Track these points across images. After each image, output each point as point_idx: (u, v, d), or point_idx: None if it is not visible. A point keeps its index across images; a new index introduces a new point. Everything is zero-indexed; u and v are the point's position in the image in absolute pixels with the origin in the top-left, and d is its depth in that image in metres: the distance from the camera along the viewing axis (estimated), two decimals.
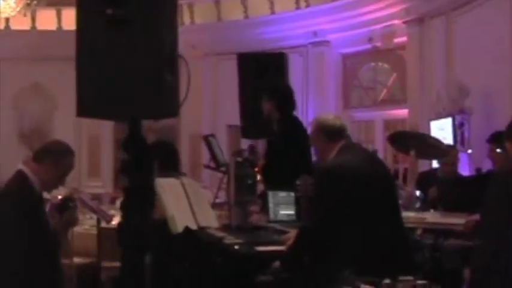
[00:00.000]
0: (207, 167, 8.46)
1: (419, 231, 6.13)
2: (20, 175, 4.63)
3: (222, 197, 7.63)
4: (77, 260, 8.33)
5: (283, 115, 6.97)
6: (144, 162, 3.97)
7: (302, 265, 4.53)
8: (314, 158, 6.21)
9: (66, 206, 5.00)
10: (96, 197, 12.27)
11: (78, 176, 15.78)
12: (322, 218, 4.48)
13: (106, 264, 7.34)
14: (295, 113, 7.27)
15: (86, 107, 3.89)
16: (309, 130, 5.08)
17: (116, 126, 15.34)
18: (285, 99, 7.11)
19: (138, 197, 3.92)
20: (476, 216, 5.35)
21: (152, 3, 3.86)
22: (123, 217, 4.00)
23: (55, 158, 4.70)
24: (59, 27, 16.13)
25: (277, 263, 4.58)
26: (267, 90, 7.06)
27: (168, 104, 3.92)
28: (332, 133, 4.72)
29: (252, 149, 7.51)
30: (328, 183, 4.54)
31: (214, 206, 6.89)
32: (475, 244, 4.60)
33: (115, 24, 3.78)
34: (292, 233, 4.73)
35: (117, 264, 4.43)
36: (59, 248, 4.83)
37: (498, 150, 6.26)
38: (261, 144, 7.81)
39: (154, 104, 3.85)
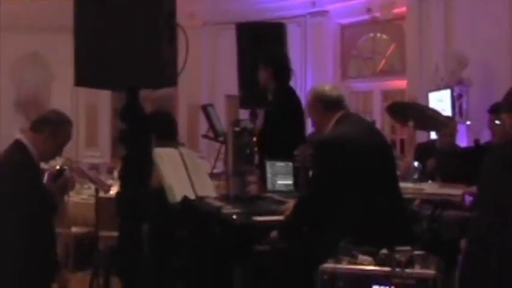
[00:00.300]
0: (205, 136, 8.44)
1: (417, 202, 6.14)
2: (18, 145, 4.63)
3: (219, 167, 7.62)
4: (74, 229, 8.37)
5: (279, 84, 6.98)
6: (142, 132, 3.97)
7: (300, 235, 4.55)
8: (311, 129, 6.21)
9: (60, 176, 5.02)
10: (94, 167, 12.28)
11: (76, 146, 15.74)
12: (321, 188, 4.48)
13: (104, 233, 7.36)
14: (292, 83, 7.28)
15: (84, 77, 3.89)
16: (306, 100, 5.04)
17: (113, 96, 15.28)
18: (282, 68, 7.12)
19: (136, 167, 3.93)
20: (474, 188, 5.37)
21: None
22: (121, 186, 4.00)
23: (53, 128, 4.70)
24: None
25: (274, 233, 4.58)
26: (264, 59, 7.07)
27: (166, 73, 3.91)
28: (330, 104, 4.70)
29: (253, 116, 7.50)
30: (326, 154, 4.53)
31: (212, 176, 6.88)
32: (471, 216, 4.60)
33: None
34: (291, 203, 4.74)
35: (115, 233, 4.44)
36: (55, 215, 4.84)
37: (497, 122, 6.27)
38: (261, 115, 7.80)
39: (152, 74, 3.84)
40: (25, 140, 4.63)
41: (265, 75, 7.00)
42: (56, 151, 4.83)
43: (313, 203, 4.48)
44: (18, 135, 4.68)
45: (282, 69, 7.11)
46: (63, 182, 4.98)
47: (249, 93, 7.77)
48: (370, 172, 4.41)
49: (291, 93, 7.13)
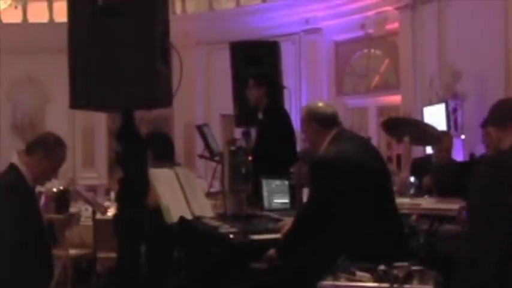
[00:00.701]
0: (201, 156, 8.44)
1: (414, 217, 6.14)
2: (12, 169, 4.64)
3: (216, 187, 7.62)
4: (72, 251, 8.36)
5: (271, 103, 6.99)
6: (138, 153, 3.98)
7: (297, 252, 4.54)
8: (305, 146, 6.22)
9: (63, 198, 5.02)
10: (91, 189, 12.28)
11: (73, 168, 15.77)
12: (318, 206, 4.48)
13: (101, 255, 7.37)
14: (287, 100, 7.31)
15: (79, 99, 3.90)
16: (300, 118, 5.04)
17: (110, 117, 15.31)
18: (274, 86, 7.14)
19: (133, 188, 3.93)
20: None
21: None
22: (118, 207, 4.01)
23: (46, 150, 4.71)
24: (51, 20, 16.08)
25: (272, 251, 4.58)
26: (257, 77, 7.06)
27: (161, 93, 3.92)
28: (324, 121, 4.69)
29: (246, 134, 7.50)
30: (323, 173, 4.53)
31: (209, 195, 6.88)
32: (462, 229, 4.54)
33: (106, 15, 3.78)
34: (288, 221, 4.74)
35: (113, 255, 4.45)
36: (51, 241, 4.81)
37: None
38: (254, 132, 7.82)
39: (147, 94, 3.85)
40: (19, 164, 4.65)
41: (258, 94, 7.00)
42: (51, 173, 4.82)
43: (311, 221, 4.49)
44: (14, 159, 4.70)
45: (275, 88, 7.14)
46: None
47: (244, 111, 7.78)
48: (366, 189, 4.42)
49: (282, 111, 7.15)
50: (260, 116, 7.02)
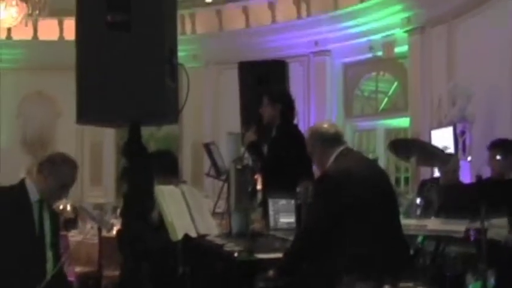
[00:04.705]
0: (208, 175, 8.43)
1: (420, 238, 6.12)
2: (21, 183, 4.74)
3: (221, 206, 7.59)
4: (78, 268, 8.35)
5: (285, 121, 6.93)
6: (144, 168, 3.98)
7: (300, 270, 4.53)
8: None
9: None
10: (99, 207, 12.27)
11: (81, 185, 15.79)
12: (319, 223, 4.47)
13: (107, 272, 7.34)
14: (295, 122, 7.27)
15: (86, 115, 3.91)
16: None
17: (118, 133, 15.31)
18: (290, 106, 7.07)
19: (137, 203, 3.93)
20: (478, 224, 5.38)
21: (151, 10, 3.89)
22: (123, 223, 4.00)
23: (52, 168, 4.80)
24: (61, 37, 16.16)
25: (271, 272, 4.57)
26: (272, 96, 6.96)
27: (168, 111, 3.93)
28: (328, 140, 4.73)
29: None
30: (326, 188, 4.53)
31: (214, 215, 6.85)
32: None
33: (115, 31, 3.80)
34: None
35: (118, 272, 4.43)
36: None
37: (498, 157, 6.29)
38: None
39: (154, 111, 3.86)
40: (28, 179, 4.77)
41: (273, 112, 6.89)
42: (58, 191, 4.87)
43: (313, 238, 4.48)
44: (22, 175, 4.80)
45: (291, 107, 7.05)
46: None
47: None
48: (369, 206, 4.41)
49: (296, 129, 7.09)
50: (273, 133, 6.93)
